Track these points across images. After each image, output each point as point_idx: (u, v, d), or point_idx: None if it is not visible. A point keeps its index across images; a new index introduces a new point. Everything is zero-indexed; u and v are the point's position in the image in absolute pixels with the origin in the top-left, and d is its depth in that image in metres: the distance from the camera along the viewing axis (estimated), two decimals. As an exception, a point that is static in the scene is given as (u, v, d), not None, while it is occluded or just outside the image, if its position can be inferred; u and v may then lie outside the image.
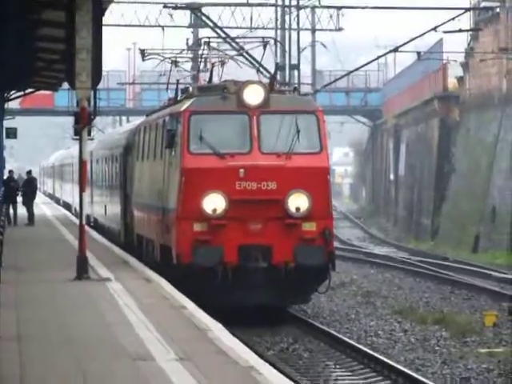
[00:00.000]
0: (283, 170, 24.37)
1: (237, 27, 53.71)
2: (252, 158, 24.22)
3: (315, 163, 24.75)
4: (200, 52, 52.68)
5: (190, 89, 30.09)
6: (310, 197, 24.30)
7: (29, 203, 48.92)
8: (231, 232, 24.19)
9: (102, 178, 44.78)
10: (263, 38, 32.23)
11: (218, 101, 24.88)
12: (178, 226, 24.56)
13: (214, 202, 24.03)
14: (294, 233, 24.37)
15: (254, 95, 24.35)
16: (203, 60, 41.15)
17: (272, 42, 37.45)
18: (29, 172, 52.44)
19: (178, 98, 29.76)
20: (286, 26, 57.11)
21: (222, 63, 32.27)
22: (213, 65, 32.47)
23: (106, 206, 42.88)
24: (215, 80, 30.56)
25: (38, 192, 54.56)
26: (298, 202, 24.15)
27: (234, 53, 36.65)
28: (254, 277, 23.92)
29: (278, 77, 40.89)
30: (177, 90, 32.15)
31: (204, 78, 37.83)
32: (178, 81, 34.17)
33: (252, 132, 24.24)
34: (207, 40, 33.54)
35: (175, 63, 41.13)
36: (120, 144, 38.02)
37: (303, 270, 24.17)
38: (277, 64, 28.02)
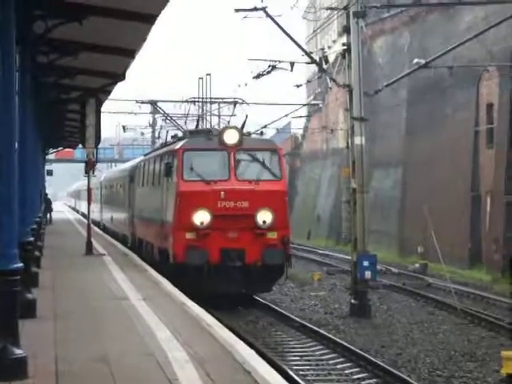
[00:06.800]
0: (253, 193, 20.35)
1: (179, 114, 53.26)
2: (230, 183, 20.45)
3: (276, 188, 20.84)
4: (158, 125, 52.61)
5: (179, 134, 26.20)
6: (273, 213, 20.13)
7: (49, 211, 47.94)
8: (214, 239, 19.92)
9: (110, 197, 41.32)
10: (234, 98, 29.49)
11: (204, 141, 21.13)
12: (174, 234, 20.36)
13: (201, 217, 20.04)
14: (261, 240, 20.16)
15: (231, 137, 20.75)
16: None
17: (240, 101, 34.67)
18: (46, 195, 51.28)
19: (172, 140, 25.79)
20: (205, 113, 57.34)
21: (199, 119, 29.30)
22: (198, 117, 30.03)
23: (112, 216, 39.30)
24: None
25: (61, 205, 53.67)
26: (264, 216, 20.21)
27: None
28: (232, 273, 20.09)
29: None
30: (166, 138, 28.73)
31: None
32: (167, 132, 29.90)
33: (230, 164, 20.62)
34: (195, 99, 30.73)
35: (155, 129, 39.93)
36: (125, 175, 33.99)
37: (268, 267, 20.20)
38: (246, 116, 23.60)
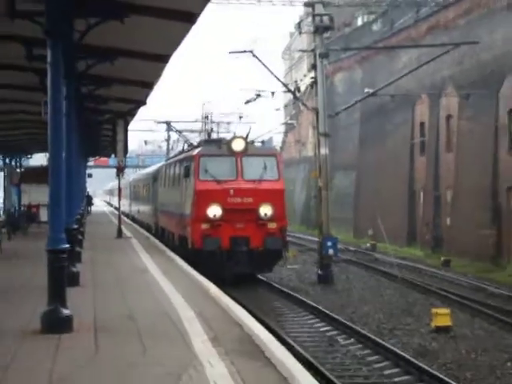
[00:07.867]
0: (257, 190, 18.92)
1: (187, 130, 53.17)
2: (237, 183, 19.01)
3: (276, 186, 19.28)
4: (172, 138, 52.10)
5: (195, 143, 24.38)
6: (273, 207, 18.70)
7: (90, 205, 47.71)
8: (225, 229, 18.55)
9: (137, 194, 39.68)
10: (240, 113, 28.28)
11: (216, 148, 19.59)
12: (192, 224, 18.96)
13: (214, 210, 18.64)
14: (263, 229, 18.73)
15: (238, 145, 19.31)
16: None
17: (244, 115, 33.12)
18: (87, 192, 51.01)
19: (188, 148, 24.36)
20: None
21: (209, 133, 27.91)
22: (211, 129, 28.84)
23: (139, 209, 38.00)
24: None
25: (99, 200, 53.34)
26: (266, 210, 18.76)
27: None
28: (239, 257, 18.81)
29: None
30: (183, 147, 27.21)
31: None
32: (184, 142, 27.95)
33: (237, 167, 19.14)
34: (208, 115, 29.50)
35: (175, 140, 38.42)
36: (150, 177, 32.42)
37: (269, 252, 18.86)
38: (250, 127, 21.92)
